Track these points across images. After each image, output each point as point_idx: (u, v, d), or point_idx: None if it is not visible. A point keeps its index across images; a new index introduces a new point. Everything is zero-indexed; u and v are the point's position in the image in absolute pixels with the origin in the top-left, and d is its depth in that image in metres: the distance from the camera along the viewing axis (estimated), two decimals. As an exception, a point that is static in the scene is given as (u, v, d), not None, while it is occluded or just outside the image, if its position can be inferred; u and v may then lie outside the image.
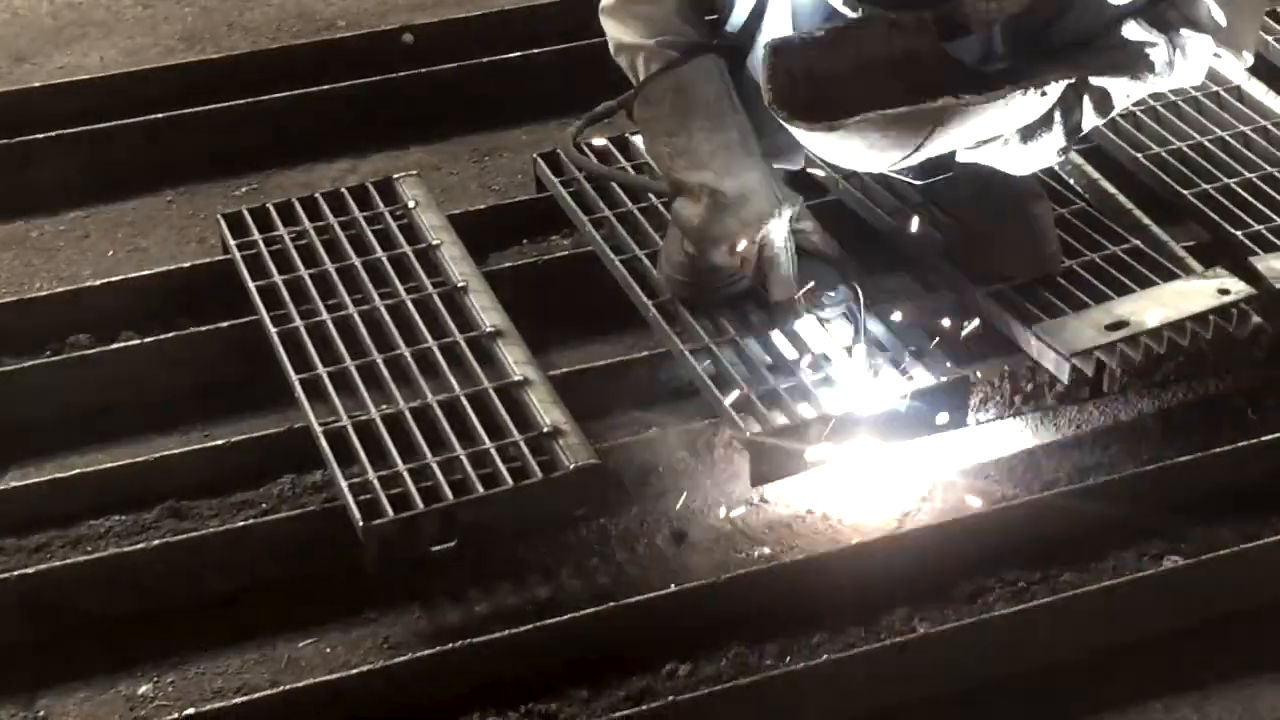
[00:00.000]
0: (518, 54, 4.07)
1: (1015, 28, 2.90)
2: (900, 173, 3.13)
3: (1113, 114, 2.97)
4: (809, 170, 3.34)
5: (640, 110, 3.06)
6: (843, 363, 2.96)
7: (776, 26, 2.93)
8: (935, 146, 2.81)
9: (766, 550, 2.92)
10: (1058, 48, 2.91)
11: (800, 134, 2.78)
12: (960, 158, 2.99)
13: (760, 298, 3.11)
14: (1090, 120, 2.93)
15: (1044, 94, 2.79)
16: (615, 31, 3.04)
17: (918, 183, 3.13)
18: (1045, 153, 2.98)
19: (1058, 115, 2.88)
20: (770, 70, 2.76)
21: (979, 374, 3.07)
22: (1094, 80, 2.88)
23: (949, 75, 2.82)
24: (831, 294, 3.04)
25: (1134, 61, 2.88)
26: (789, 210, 3.01)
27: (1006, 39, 2.95)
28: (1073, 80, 2.84)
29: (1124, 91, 2.93)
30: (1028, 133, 2.90)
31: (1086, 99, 2.90)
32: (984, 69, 2.93)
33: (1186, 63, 2.93)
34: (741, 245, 3.01)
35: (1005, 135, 2.89)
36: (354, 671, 2.65)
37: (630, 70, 3.05)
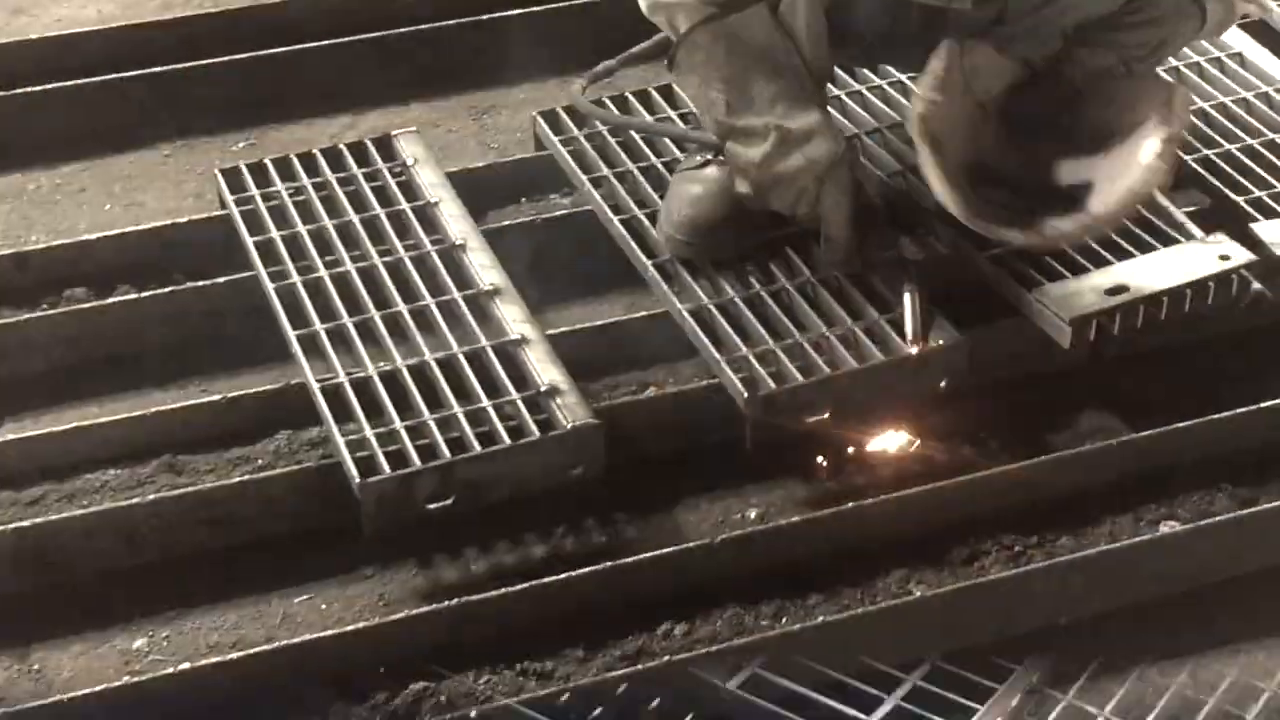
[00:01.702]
0: (518, 11, 4.05)
1: None
2: None
3: None
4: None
5: (687, 58, 3.00)
6: (874, 315, 2.98)
7: None
8: None
9: (762, 511, 2.93)
10: (1088, 30, 2.94)
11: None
12: None
13: (760, 259, 3.10)
14: None
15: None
16: None
17: None
18: None
19: None
20: None
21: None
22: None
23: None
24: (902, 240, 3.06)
25: (1172, 34, 2.94)
26: (849, 152, 3.00)
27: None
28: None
29: (1162, 59, 2.97)
30: None
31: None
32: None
33: (1215, 19, 2.95)
34: (802, 184, 2.99)
35: None
36: (350, 628, 2.65)
37: (669, 27, 3.01)
